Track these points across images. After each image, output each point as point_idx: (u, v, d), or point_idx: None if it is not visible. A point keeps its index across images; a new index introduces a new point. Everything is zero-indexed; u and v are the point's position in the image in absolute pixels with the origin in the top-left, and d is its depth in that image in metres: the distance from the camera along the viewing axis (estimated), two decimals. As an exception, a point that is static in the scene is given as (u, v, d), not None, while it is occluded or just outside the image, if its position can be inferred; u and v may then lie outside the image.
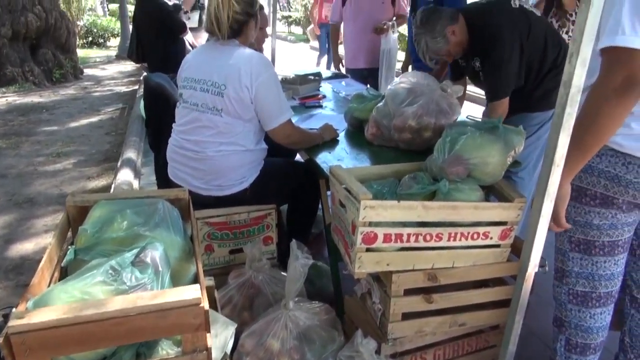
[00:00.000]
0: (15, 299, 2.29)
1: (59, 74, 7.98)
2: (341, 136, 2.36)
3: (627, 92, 1.16)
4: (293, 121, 2.16)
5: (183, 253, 1.37)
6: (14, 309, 1.08)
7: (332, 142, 2.27)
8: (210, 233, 2.11)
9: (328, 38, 7.44)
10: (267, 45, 3.32)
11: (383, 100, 2.18)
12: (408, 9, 3.92)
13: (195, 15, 5.23)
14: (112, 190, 3.48)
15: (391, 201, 1.48)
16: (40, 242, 2.94)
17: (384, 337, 1.63)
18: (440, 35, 2.20)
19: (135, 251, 1.22)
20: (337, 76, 3.91)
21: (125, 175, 3.67)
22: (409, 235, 1.52)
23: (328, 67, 7.07)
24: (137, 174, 3.96)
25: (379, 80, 3.95)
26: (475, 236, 1.58)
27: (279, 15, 17.34)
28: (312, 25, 8.41)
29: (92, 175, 4.08)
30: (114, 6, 16.06)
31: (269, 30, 3.27)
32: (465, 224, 1.56)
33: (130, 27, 5.23)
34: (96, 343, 1.06)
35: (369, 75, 3.97)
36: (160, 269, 1.20)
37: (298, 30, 17.98)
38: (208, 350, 1.16)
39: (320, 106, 2.93)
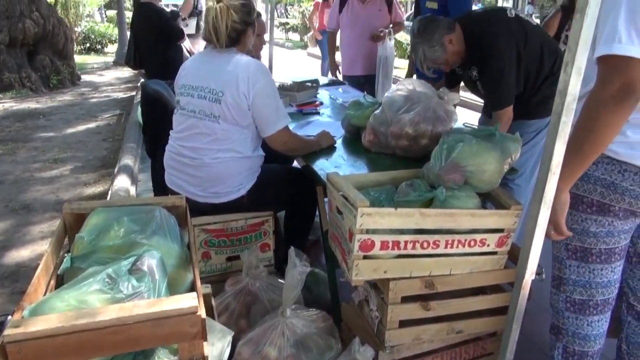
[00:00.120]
0: (11, 306, 2.28)
1: (56, 80, 7.99)
2: (338, 143, 2.37)
3: (624, 99, 1.17)
4: (290, 128, 2.17)
5: (180, 261, 1.37)
6: (9, 317, 1.07)
7: (329, 149, 2.28)
8: (207, 240, 2.10)
9: None
10: (264, 52, 3.33)
11: (380, 108, 2.19)
12: (405, 16, 3.94)
13: (192, 22, 5.23)
14: (109, 196, 3.47)
15: (388, 208, 1.48)
16: (36, 248, 2.93)
17: (381, 344, 1.63)
18: (438, 44, 2.22)
19: (132, 259, 1.21)
20: (334, 83, 3.93)
21: (122, 182, 3.66)
22: (406, 242, 1.52)
23: (325, 74, 7.10)
24: (134, 181, 3.95)
25: (376, 87, 3.96)
26: (472, 243, 1.58)
27: (276, 22, 17.43)
28: (311, 32, 8.43)
29: (89, 181, 4.07)
30: (112, 12, 16.14)
31: (266, 37, 3.28)
32: (462, 231, 1.56)
33: (128, 33, 5.25)
34: (92, 352, 1.06)
35: (365, 82, 3.98)
36: (157, 277, 1.20)
37: (295, 36, 18.07)
38: (205, 359, 1.15)
39: (318, 113, 2.94)
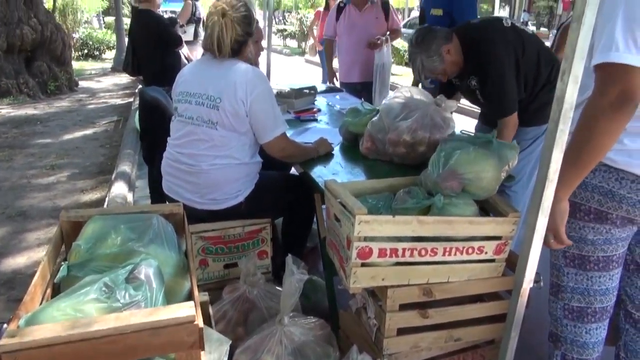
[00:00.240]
0: (6, 313, 2.26)
1: (54, 86, 7.98)
2: (336, 150, 2.37)
3: (622, 107, 1.18)
4: (288, 135, 2.17)
5: (177, 269, 1.36)
6: (5, 326, 1.06)
7: (326, 156, 2.28)
8: (205, 247, 2.10)
9: None
10: (262, 58, 3.33)
11: (378, 115, 2.20)
12: (402, 24, 3.96)
13: (190, 29, 5.25)
14: (106, 203, 3.46)
15: (386, 216, 1.48)
16: (32, 256, 2.92)
17: (379, 352, 1.62)
18: (436, 54, 2.23)
19: (129, 268, 1.21)
20: (331, 90, 3.94)
21: (119, 188, 3.66)
22: (404, 250, 1.51)
23: (324, 81, 7.12)
24: (132, 187, 3.94)
25: (373, 94, 3.98)
26: (470, 251, 1.58)
27: (274, 29, 17.49)
28: (311, 40, 8.46)
29: (86, 188, 4.06)
30: (110, 19, 16.16)
31: (264, 43, 3.29)
32: (460, 239, 1.56)
33: (126, 40, 5.26)
34: (89, 361, 1.05)
35: (362, 89, 4.00)
36: (154, 285, 1.19)
37: (293, 43, 18.12)
38: (202, 367, 1.15)
39: (315, 120, 2.95)
